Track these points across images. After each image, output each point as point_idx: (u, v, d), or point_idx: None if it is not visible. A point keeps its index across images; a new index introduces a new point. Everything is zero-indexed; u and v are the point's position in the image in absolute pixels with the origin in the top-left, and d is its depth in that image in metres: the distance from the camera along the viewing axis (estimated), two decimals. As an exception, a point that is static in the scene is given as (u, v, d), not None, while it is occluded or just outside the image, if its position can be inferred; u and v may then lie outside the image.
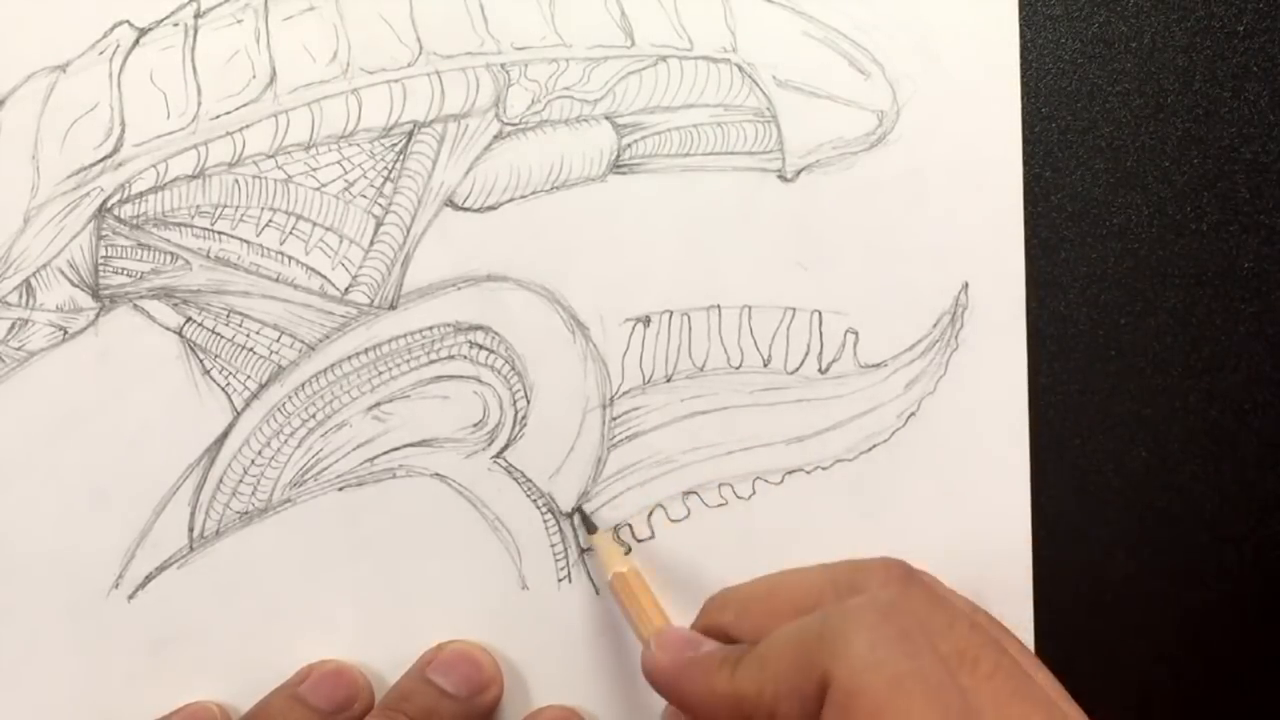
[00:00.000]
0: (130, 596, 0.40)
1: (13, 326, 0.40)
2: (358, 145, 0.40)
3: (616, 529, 0.41)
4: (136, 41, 0.40)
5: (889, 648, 0.29)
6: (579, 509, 0.40)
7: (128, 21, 0.40)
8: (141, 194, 0.40)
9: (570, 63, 0.41)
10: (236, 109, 0.40)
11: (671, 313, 0.41)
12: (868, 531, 0.40)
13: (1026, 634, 0.40)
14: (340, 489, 0.40)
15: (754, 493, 0.41)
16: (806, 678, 0.29)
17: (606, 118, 0.41)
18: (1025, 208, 0.41)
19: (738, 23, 0.41)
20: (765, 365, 0.41)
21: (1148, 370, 0.41)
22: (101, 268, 0.40)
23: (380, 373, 0.40)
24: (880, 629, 0.29)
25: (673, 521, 0.41)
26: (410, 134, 0.40)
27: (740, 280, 0.41)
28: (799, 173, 0.41)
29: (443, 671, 0.39)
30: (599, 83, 0.41)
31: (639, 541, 0.41)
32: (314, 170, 0.40)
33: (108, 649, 0.40)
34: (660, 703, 0.40)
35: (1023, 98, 0.41)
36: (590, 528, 0.40)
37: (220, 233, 0.40)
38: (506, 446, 0.41)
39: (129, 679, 0.40)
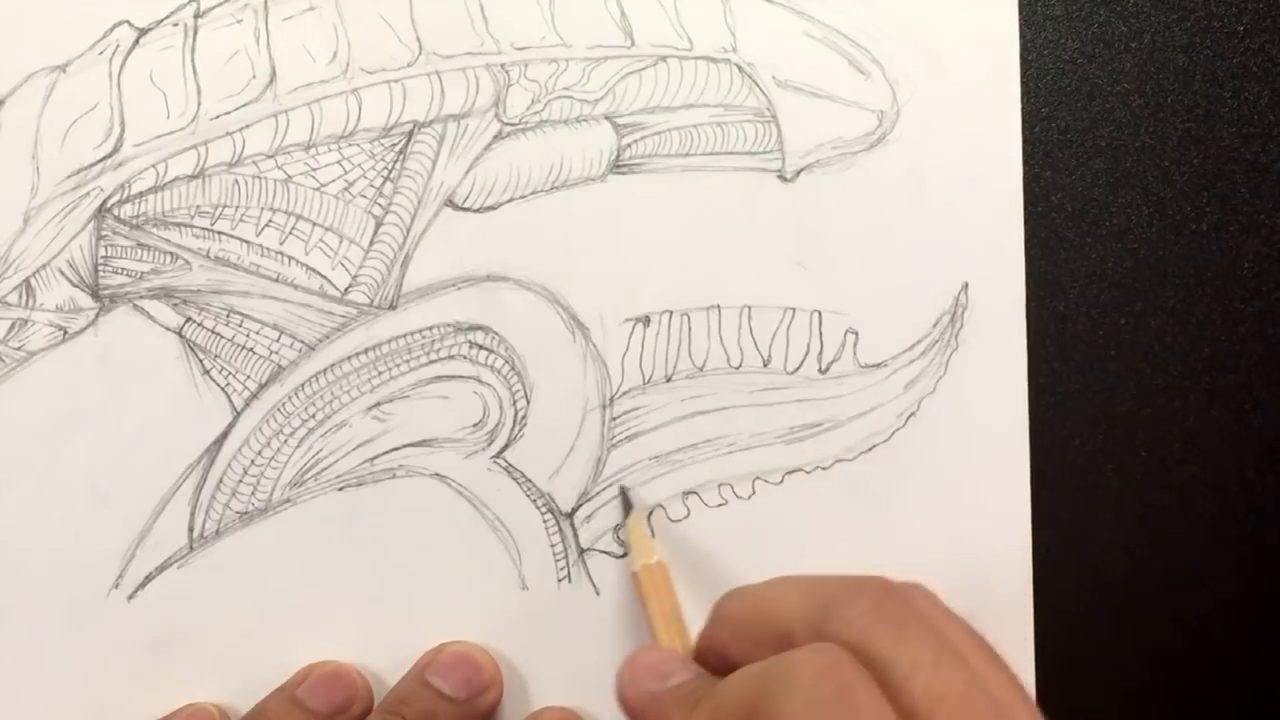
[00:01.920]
0: (130, 596, 0.40)
1: (13, 326, 0.40)
2: (358, 145, 0.40)
3: (617, 529, 0.41)
4: (136, 41, 0.40)
5: (825, 707, 0.27)
6: (622, 488, 0.40)
7: (128, 21, 0.40)
8: (141, 194, 0.40)
9: (570, 63, 0.41)
10: (236, 109, 0.40)
11: (671, 313, 0.41)
12: (868, 531, 0.40)
13: (1026, 634, 0.40)
14: (340, 489, 0.41)
15: (754, 493, 0.41)
16: None
17: (606, 118, 0.41)
18: (1025, 208, 0.41)
19: (738, 23, 0.41)
20: (765, 365, 0.41)
21: (1148, 370, 0.41)
22: (101, 268, 0.40)
23: (380, 373, 0.40)
24: (817, 686, 0.28)
25: (673, 521, 0.41)
26: (410, 134, 0.40)
27: (740, 280, 0.41)
28: (799, 173, 0.41)
29: (442, 674, 0.39)
30: (599, 83, 0.41)
31: (639, 541, 0.41)
32: (314, 170, 0.40)
33: (108, 649, 0.40)
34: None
35: (1023, 98, 0.41)
36: (627, 508, 0.40)
37: (220, 233, 0.40)
38: (506, 446, 0.41)
39: (129, 679, 0.40)
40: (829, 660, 0.28)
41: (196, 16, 0.40)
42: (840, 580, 0.32)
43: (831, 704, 0.28)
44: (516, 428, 0.41)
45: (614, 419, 0.41)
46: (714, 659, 0.34)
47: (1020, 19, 0.41)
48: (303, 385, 0.40)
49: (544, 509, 0.41)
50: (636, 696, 0.34)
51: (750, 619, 0.33)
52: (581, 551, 0.41)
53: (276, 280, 0.41)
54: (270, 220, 0.40)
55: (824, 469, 0.41)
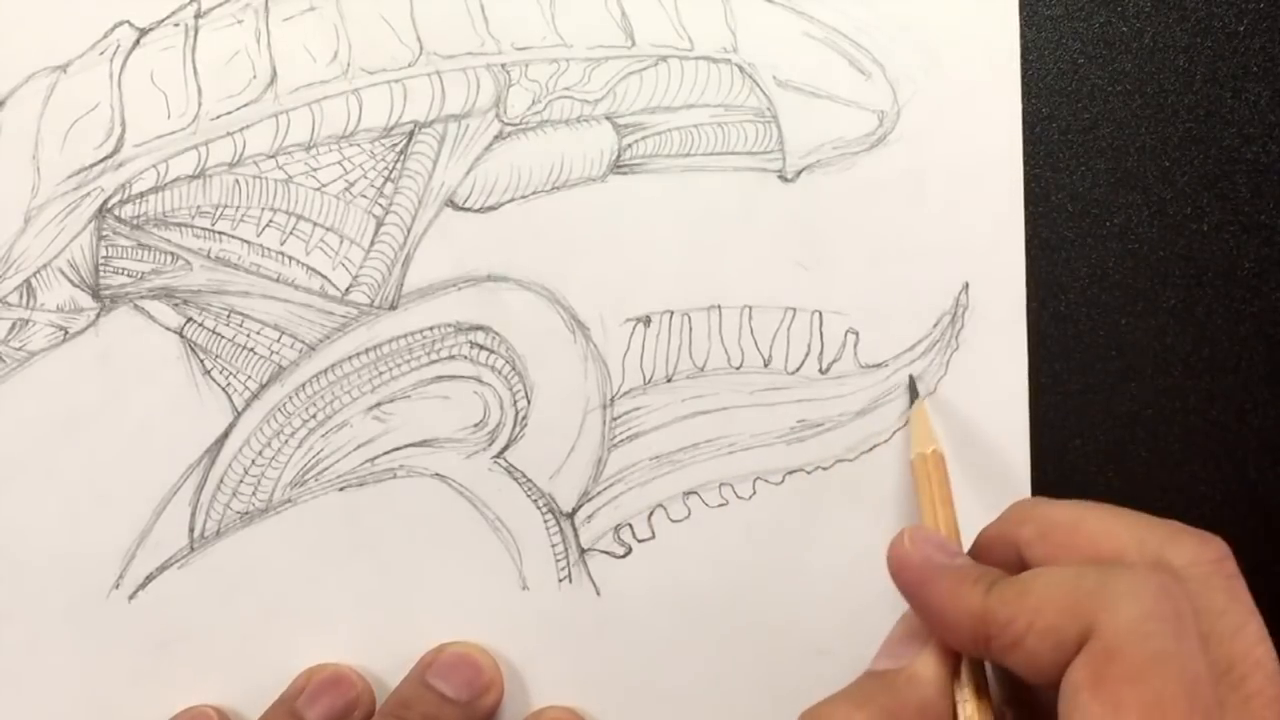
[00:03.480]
0: (131, 597, 0.40)
1: (13, 326, 0.40)
2: (358, 145, 0.40)
3: (617, 529, 0.41)
4: (137, 42, 0.40)
5: (1160, 623, 0.28)
6: (911, 376, 0.40)
7: (128, 22, 0.40)
8: (142, 194, 0.40)
9: (571, 63, 0.41)
10: (237, 109, 0.40)
11: (672, 313, 0.41)
12: (868, 532, 0.40)
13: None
14: (341, 489, 0.40)
15: (754, 493, 0.41)
16: (1070, 621, 0.29)
17: (607, 118, 0.41)
18: (1025, 208, 0.41)
19: (738, 23, 0.41)
20: (766, 365, 0.41)
21: (1148, 370, 0.41)
22: (102, 268, 0.40)
23: (381, 373, 0.40)
24: (1158, 604, 0.28)
25: (673, 522, 0.41)
26: (411, 134, 0.40)
27: (741, 280, 0.41)
28: (799, 173, 0.41)
29: (442, 676, 0.39)
30: (599, 83, 0.41)
31: (640, 541, 0.41)
32: (314, 170, 0.40)
33: (108, 649, 0.40)
34: (670, 706, 0.40)
35: (1023, 98, 0.41)
36: (913, 395, 0.40)
37: (221, 233, 0.40)
38: (507, 447, 0.41)
39: (129, 679, 0.40)
40: (1173, 586, 0.29)
41: (197, 17, 0.40)
42: (1182, 527, 0.32)
43: (1168, 624, 0.28)
44: (517, 428, 0.41)
45: (615, 419, 0.41)
46: (996, 556, 0.33)
47: (1020, 19, 0.41)
48: (303, 385, 0.40)
49: (545, 509, 0.41)
50: (922, 560, 0.33)
51: (1066, 526, 0.32)
52: (582, 552, 0.41)
53: (277, 280, 0.41)
54: (271, 220, 0.40)
55: (824, 469, 0.41)
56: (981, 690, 0.32)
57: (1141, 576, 0.29)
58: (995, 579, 0.31)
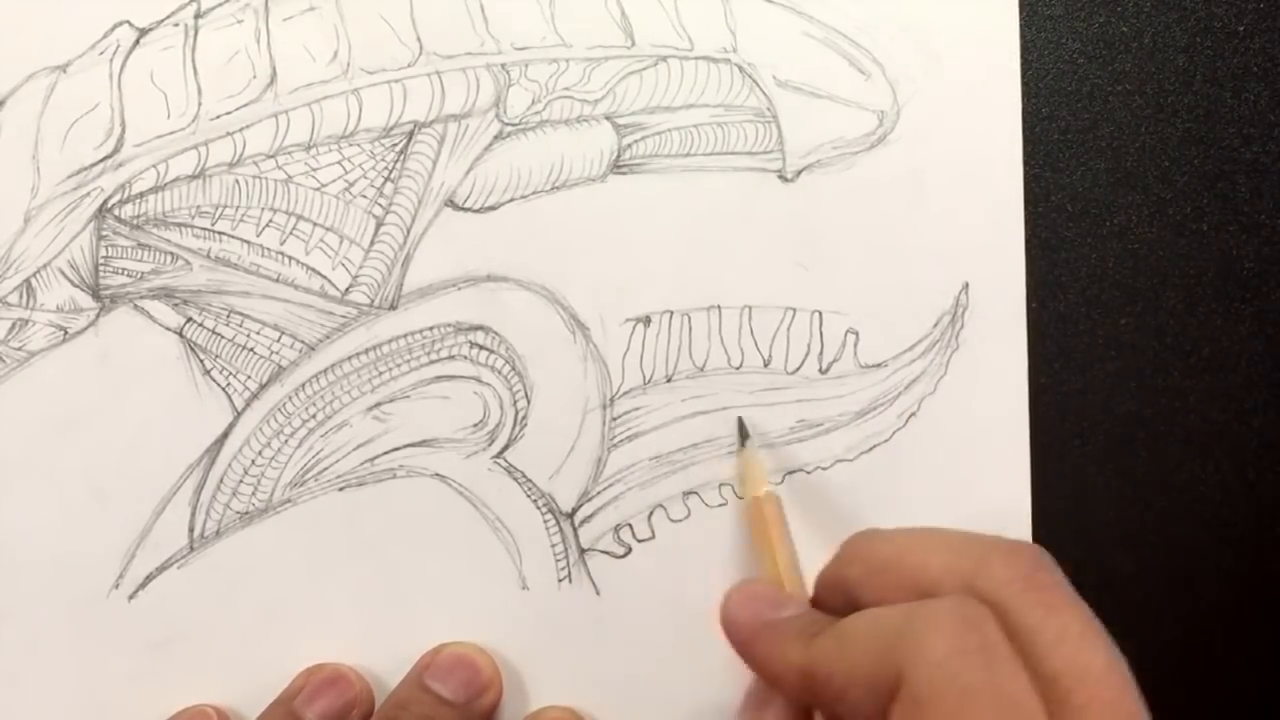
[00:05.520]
0: (130, 596, 0.40)
1: (13, 326, 0.40)
2: (358, 145, 0.40)
3: (617, 529, 0.41)
4: (137, 42, 0.40)
5: (966, 659, 0.28)
6: (740, 419, 0.40)
7: (128, 22, 0.40)
8: (142, 194, 0.40)
9: (570, 63, 0.41)
10: (237, 109, 0.40)
11: (672, 313, 0.41)
12: (868, 531, 0.40)
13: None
14: (340, 489, 0.41)
15: (754, 493, 0.41)
16: (881, 670, 0.28)
17: (607, 118, 0.41)
18: (1025, 208, 0.41)
19: (738, 23, 0.41)
20: (766, 365, 0.41)
21: (1148, 370, 0.41)
22: (102, 268, 0.40)
23: (380, 373, 0.40)
24: (962, 637, 0.28)
25: (673, 522, 0.41)
26: (410, 134, 0.40)
27: (740, 280, 0.41)
28: (799, 173, 0.41)
29: (440, 677, 0.39)
30: (599, 83, 0.41)
31: (640, 541, 0.41)
32: (314, 170, 0.40)
33: (108, 649, 0.40)
34: (670, 706, 0.40)
35: (1023, 98, 0.41)
36: (743, 437, 0.40)
37: (220, 233, 0.40)
38: (507, 447, 0.41)
39: (129, 679, 0.40)
40: (976, 614, 0.29)
41: (197, 17, 0.40)
42: (993, 541, 0.31)
43: (974, 656, 0.28)
44: (517, 428, 0.41)
45: (614, 419, 0.41)
46: (834, 597, 0.33)
47: (1020, 19, 0.41)
48: (303, 385, 0.40)
49: (544, 509, 0.41)
50: (748, 622, 0.33)
51: (889, 561, 0.32)
52: (582, 551, 0.41)
53: (277, 280, 0.41)
54: (271, 220, 0.40)
55: (824, 469, 0.41)
56: None
57: (944, 612, 0.29)
58: (818, 630, 0.31)
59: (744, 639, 0.33)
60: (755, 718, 0.33)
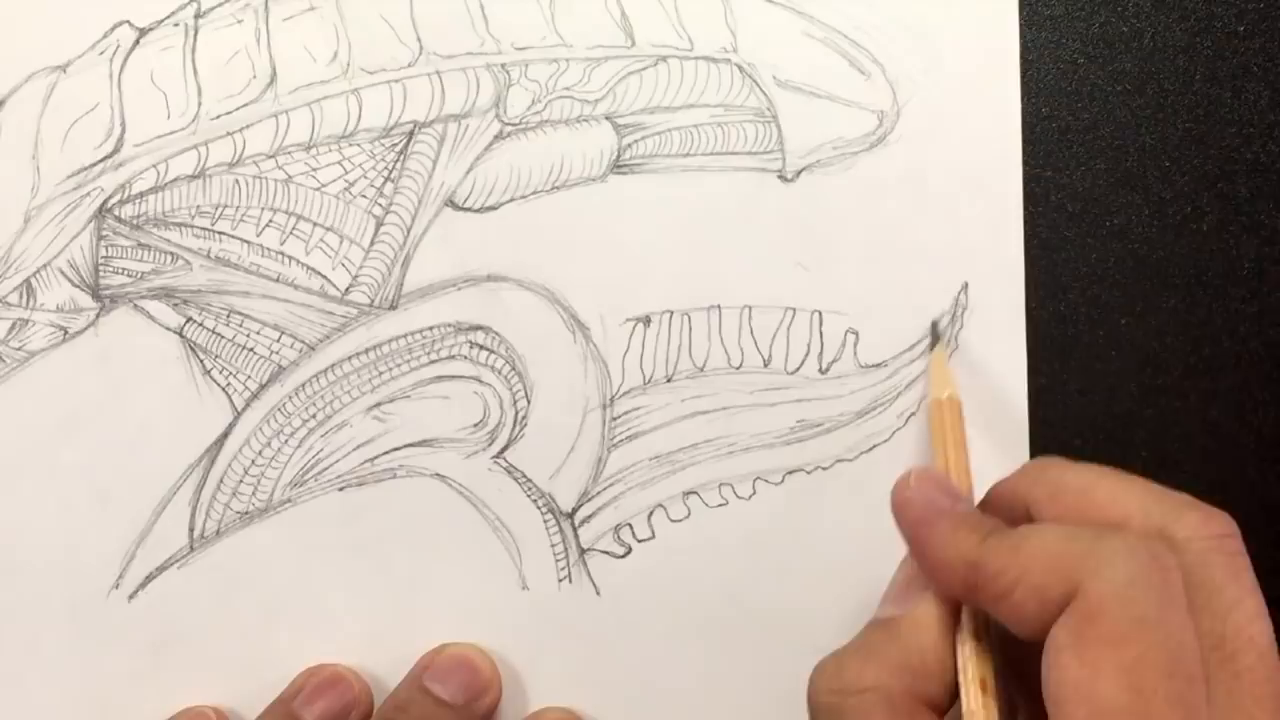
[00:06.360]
0: (130, 596, 0.40)
1: (13, 326, 0.40)
2: (358, 145, 0.40)
3: (617, 529, 0.41)
4: (137, 42, 0.40)
5: (1145, 590, 0.28)
6: (933, 322, 0.40)
7: (128, 22, 0.40)
8: (142, 194, 0.40)
9: (570, 63, 0.41)
10: (237, 109, 0.40)
11: (672, 313, 0.41)
12: (868, 532, 0.40)
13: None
14: (340, 489, 0.41)
15: (754, 493, 0.41)
16: (1057, 580, 0.29)
17: (607, 118, 0.41)
18: (1025, 208, 0.41)
19: (738, 23, 0.41)
20: (765, 365, 0.41)
21: (1148, 370, 0.41)
22: (102, 268, 0.40)
23: (380, 373, 0.40)
24: (1145, 570, 0.28)
25: (673, 521, 0.41)
26: (410, 134, 0.40)
27: (740, 280, 0.41)
28: (799, 173, 0.41)
29: (440, 679, 0.39)
30: (599, 83, 0.41)
31: (639, 541, 0.41)
32: (314, 170, 0.40)
33: (108, 649, 0.40)
34: (670, 706, 0.40)
35: (1023, 98, 0.41)
36: (935, 339, 0.40)
37: (220, 233, 0.40)
38: (507, 447, 0.41)
39: (129, 679, 0.40)
40: (1165, 555, 0.29)
41: (197, 16, 0.40)
42: (1189, 499, 0.32)
43: (1154, 591, 0.28)
44: (517, 428, 0.41)
45: (614, 419, 0.41)
46: (1005, 512, 0.33)
47: (1020, 19, 0.41)
48: (303, 385, 0.40)
49: (544, 509, 0.41)
50: (922, 506, 0.33)
51: (1080, 489, 0.32)
52: (582, 551, 0.41)
53: (277, 280, 0.41)
54: (271, 220, 0.40)
55: (824, 469, 0.41)
56: (980, 634, 0.31)
57: (1133, 542, 0.29)
58: (992, 529, 0.31)
59: (915, 519, 0.33)
60: (901, 607, 0.33)
